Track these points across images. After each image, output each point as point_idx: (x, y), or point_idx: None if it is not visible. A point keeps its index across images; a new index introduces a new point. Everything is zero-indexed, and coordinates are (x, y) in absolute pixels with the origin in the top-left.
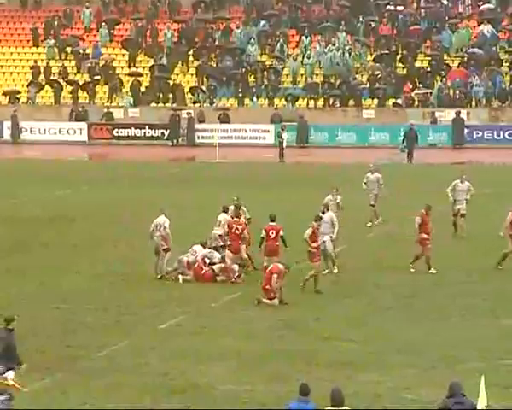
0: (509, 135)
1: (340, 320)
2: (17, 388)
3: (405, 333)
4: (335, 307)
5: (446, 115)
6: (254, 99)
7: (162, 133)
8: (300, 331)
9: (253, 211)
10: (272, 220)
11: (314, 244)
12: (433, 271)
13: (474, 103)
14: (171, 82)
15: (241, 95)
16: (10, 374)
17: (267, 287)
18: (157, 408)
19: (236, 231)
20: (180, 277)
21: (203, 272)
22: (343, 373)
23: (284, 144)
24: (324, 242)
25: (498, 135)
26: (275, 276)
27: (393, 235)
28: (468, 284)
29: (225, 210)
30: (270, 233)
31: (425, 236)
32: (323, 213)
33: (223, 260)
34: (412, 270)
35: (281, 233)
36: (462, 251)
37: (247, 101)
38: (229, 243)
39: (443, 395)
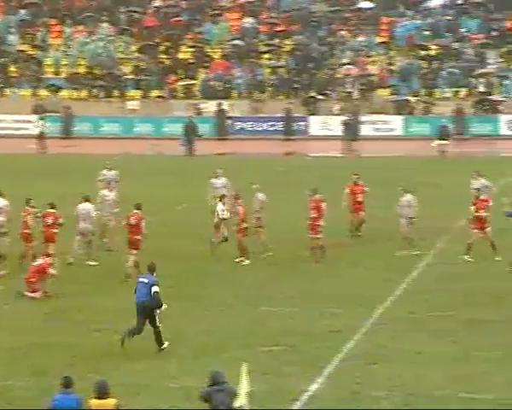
0: (270, 126)
1: (106, 312)
2: None
3: (172, 322)
4: (100, 298)
5: (210, 107)
6: (16, 90)
7: None
8: (64, 323)
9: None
10: (52, 207)
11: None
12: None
13: (235, 95)
14: None
15: (1, 85)
16: None
17: (31, 280)
18: None
19: None
20: None
21: None
22: (108, 364)
23: (43, 134)
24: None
25: (260, 126)
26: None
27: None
28: (234, 274)
29: None
30: (48, 220)
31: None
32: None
33: None
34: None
35: (59, 221)
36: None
37: (8, 91)
38: None
39: (206, 384)
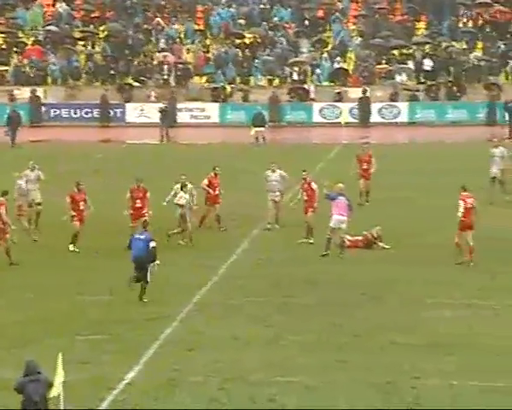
0: (86, 113)
1: None
2: None
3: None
4: None
5: (23, 93)
6: None
7: None
8: None
9: None
10: None
11: None
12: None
13: (50, 81)
14: None
15: None
16: None
17: None
18: None
19: None
20: None
21: None
22: None
23: None
24: None
25: (75, 113)
26: None
27: None
28: (52, 261)
29: None
30: None
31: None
32: None
33: None
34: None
35: None
36: None
37: None
38: None
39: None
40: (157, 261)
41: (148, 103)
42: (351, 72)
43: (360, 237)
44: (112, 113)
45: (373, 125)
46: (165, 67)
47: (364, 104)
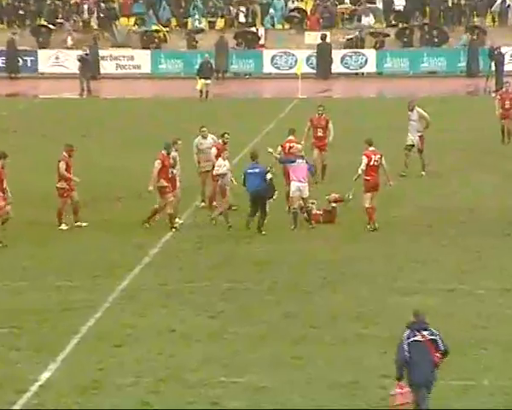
0: None
1: None
2: None
3: None
4: None
5: None
6: None
7: None
8: None
9: None
10: None
11: None
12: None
13: None
14: None
15: None
16: None
17: None
18: None
19: None
20: None
21: None
22: None
23: None
24: None
25: None
26: None
27: None
28: None
29: None
30: None
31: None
32: None
33: None
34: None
35: None
36: None
37: None
38: None
39: None
40: (275, 195)
41: (65, 50)
42: (308, 13)
43: (320, 211)
44: (21, 61)
45: (334, 77)
46: (85, 6)
47: (324, 51)
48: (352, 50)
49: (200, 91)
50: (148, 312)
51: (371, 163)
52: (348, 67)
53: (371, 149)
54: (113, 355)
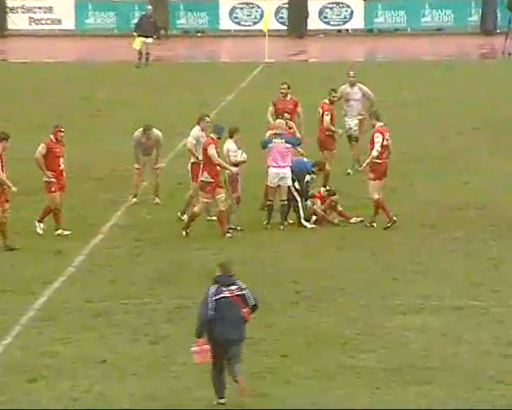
0: None
1: None
2: None
3: None
4: None
5: None
6: None
7: None
8: None
9: None
10: None
11: None
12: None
13: None
14: None
15: None
16: None
17: None
18: None
19: None
20: None
21: None
22: None
23: None
24: None
25: None
26: None
27: None
28: None
29: None
30: None
31: None
32: None
33: None
34: None
35: None
36: None
37: None
38: None
39: None
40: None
41: None
42: None
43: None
44: None
45: (311, 35)
46: None
47: (298, 2)
48: (333, 1)
49: (140, 53)
50: (72, 337)
51: (383, 143)
52: (328, 23)
53: (380, 124)
54: (26, 392)
